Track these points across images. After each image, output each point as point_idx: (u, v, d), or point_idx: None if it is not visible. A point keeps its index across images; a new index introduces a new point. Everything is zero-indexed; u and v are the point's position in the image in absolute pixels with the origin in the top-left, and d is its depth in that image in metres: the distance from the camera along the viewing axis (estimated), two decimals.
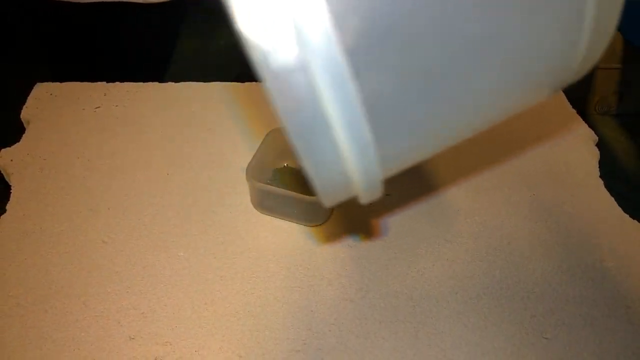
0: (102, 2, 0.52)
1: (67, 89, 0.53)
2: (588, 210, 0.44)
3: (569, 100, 0.55)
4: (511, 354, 0.35)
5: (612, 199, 0.45)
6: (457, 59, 0.17)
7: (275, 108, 0.16)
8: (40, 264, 0.38)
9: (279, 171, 0.45)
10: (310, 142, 0.17)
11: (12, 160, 0.45)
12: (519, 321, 0.36)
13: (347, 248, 0.41)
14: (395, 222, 0.43)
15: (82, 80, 0.54)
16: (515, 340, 0.35)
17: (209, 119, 0.51)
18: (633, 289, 0.39)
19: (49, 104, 0.51)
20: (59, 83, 0.53)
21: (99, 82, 0.54)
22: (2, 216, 0.41)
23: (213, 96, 0.53)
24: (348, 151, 0.17)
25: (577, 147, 0.50)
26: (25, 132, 0.49)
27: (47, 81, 0.54)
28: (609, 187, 0.46)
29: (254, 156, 0.42)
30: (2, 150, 0.46)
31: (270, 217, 0.42)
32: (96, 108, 0.51)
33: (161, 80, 0.55)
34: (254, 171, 0.41)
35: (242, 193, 0.44)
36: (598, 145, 0.51)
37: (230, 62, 0.60)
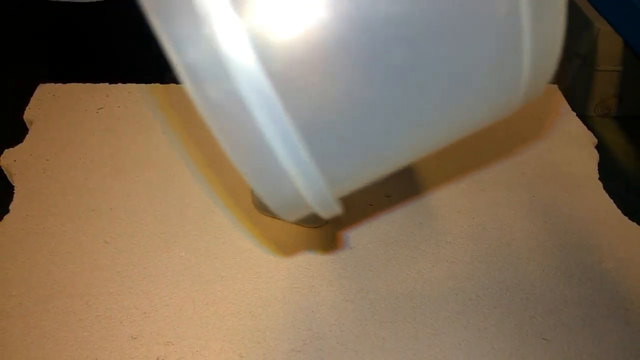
0: (105, 2, 0.53)
1: (70, 90, 0.53)
2: (587, 211, 0.44)
3: (569, 103, 0.55)
4: (510, 354, 0.35)
5: (611, 200, 0.45)
6: (388, 85, 0.17)
7: (213, 132, 0.17)
8: (42, 264, 0.39)
9: None
10: (252, 165, 0.18)
11: (15, 160, 0.46)
12: (519, 322, 0.37)
13: (347, 249, 0.41)
14: (395, 224, 0.43)
15: (84, 82, 0.54)
16: (515, 341, 0.36)
17: None
18: (632, 290, 0.39)
19: (52, 104, 0.52)
20: (61, 84, 0.54)
21: (101, 83, 0.54)
22: (5, 216, 0.42)
23: None
24: (291, 172, 0.18)
25: (577, 149, 0.50)
26: (28, 132, 0.49)
27: (50, 82, 0.54)
28: (608, 188, 0.47)
29: None
30: (5, 150, 0.47)
31: (271, 218, 0.43)
32: (98, 109, 0.52)
33: (163, 81, 0.55)
34: None
35: (243, 194, 0.44)
36: (597, 147, 0.51)
37: None
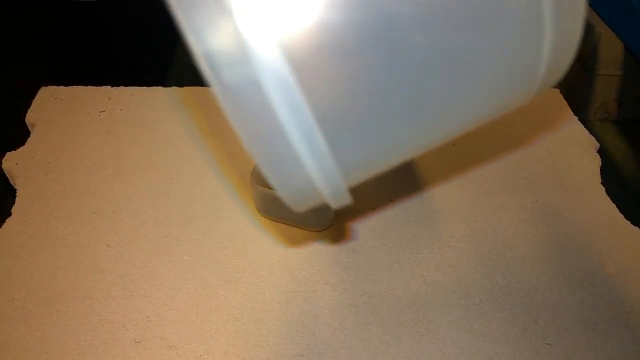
0: (107, 4, 0.53)
1: (72, 92, 0.53)
2: (589, 216, 0.45)
3: (569, 106, 0.55)
4: (514, 359, 0.35)
5: (614, 205, 0.46)
6: (408, 72, 0.17)
7: (229, 118, 0.17)
8: (44, 267, 0.38)
9: None
10: (267, 151, 0.17)
11: (17, 163, 0.46)
12: (522, 326, 0.37)
13: (350, 253, 0.41)
14: (398, 228, 0.43)
15: (86, 84, 0.54)
16: (518, 346, 0.36)
17: (213, 123, 0.51)
18: (634, 295, 0.39)
19: (54, 107, 0.51)
20: (63, 87, 0.54)
21: (104, 86, 0.54)
22: (8, 219, 0.42)
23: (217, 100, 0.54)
24: (305, 160, 0.18)
25: (579, 153, 0.50)
26: (30, 135, 0.49)
27: (52, 85, 0.54)
28: (609, 193, 0.47)
29: None
30: (8, 153, 0.46)
31: (274, 221, 0.43)
32: (101, 112, 0.52)
33: (165, 84, 0.55)
34: (259, 176, 0.41)
35: (246, 198, 0.44)
36: (599, 151, 0.51)
37: None
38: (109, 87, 0.54)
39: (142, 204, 0.43)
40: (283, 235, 0.42)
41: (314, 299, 0.38)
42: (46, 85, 0.54)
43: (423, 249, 0.41)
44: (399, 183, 0.47)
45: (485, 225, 0.43)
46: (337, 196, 0.20)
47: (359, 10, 0.16)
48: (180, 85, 0.55)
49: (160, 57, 0.64)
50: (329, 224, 0.42)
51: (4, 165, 0.46)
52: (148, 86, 0.55)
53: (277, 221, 0.43)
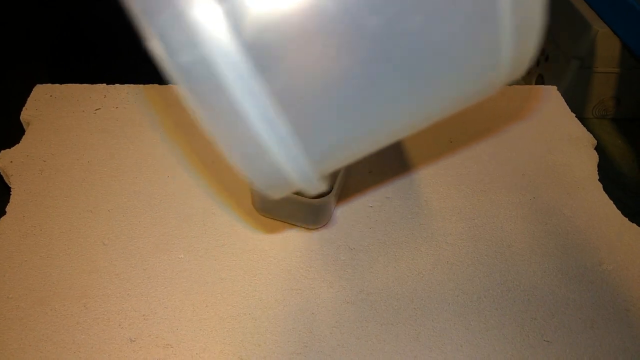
0: (103, 3, 0.53)
1: (67, 90, 0.53)
2: (587, 213, 0.44)
3: (567, 104, 0.55)
4: (512, 356, 0.35)
5: (611, 202, 0.45)
6: (362, 56, 0.17)
7: (188, 104, 0.17)
8: (40, 266, 0.38)
9: None
10: (230, 137, 0.17)
11: (11, 161, 0.45)
12: (520, 323, 0.37)
13: (347, 250, 0.41)
14: (396, 225, 0.43)
15: (81, 82, 0.54)
16: (516, 343, 0.35)
17: None
18: (632, 291, 0.39)
19: (49, 105, 0.51)
20: (58, 85, 0.53)
21: (99, 84, 0.54)
22: (2, 218, 0.41)
23: None
24: (268, 143, 0.17)
25: (576, 151, 0.50)
26: (25, 133, 0.48)
27: (47, 83, 0.54)
28: (607, 190, 0.47)
29: None
30: (2, 151, 0.46)
31: (271, 219, 0.42)
32: (96, 110, 0.51)
33: (161, 82, 0.55)
34: None
35: (243, 195, 0.44)
36: (596, 149, 0.51)
37: None
38: (104, 84, 0.54)
39: (138, 202, 0.43)
40: (280, 233, 0.42)
41: (311, 297, 0.37)
42: (41, 83, 0.53)
43: (421, 246, 0.41)
44: (397, 180, 0.46)
45: (483, 223, 0.43)
46: (307, 181, 0.20)
47: None
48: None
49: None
50: (325, 221, 0.42)
51: None
52: (144, 84, 0.54)
53: (274, 219, 0.42)
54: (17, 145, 0.47)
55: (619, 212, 0.45)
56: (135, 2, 0.15)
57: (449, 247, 0.41)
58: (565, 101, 0.56)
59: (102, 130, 0.49)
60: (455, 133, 0.51)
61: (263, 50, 0.16)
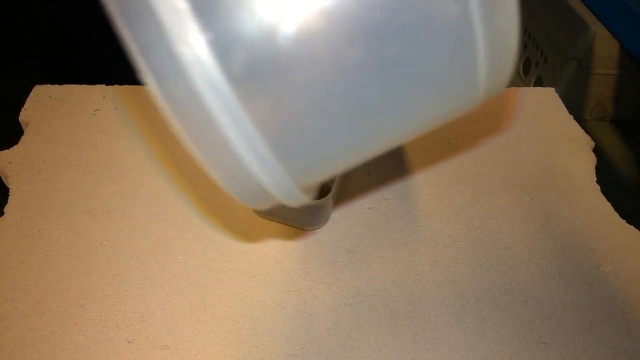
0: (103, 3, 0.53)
1: (66, 91, 0.53)
2: (585, 215, 0.44)
3: (565, 106, 0.55)
4: (509, 358, 0.35)
5: (609, 204, 0.45)
6: (343, 83, 0.18)
7: (173, 125, 0.18)
8: (37, 267, 0.38)
9: None
10: (213, 157, 0.19)
11: (10, 162, 0.45)
12: (518, 326, 0.37)
13: (345, 252, 0.41)
14: (393, 227, 0.43)
15: (80, 83, 0.54)
16: (514, 345, 0.36)
17: None
18: (630, 294, 0.39)
19: (48, 106, 0.51)
20: (57, 85, 0.53)
21: (98, 85, 0.54)
22: (0, 218, 0.41)
23: None
24: (251, 166, 0.18)
25: (575, 152, 0.50)
26: (24, 134, 0.48)
27: (46, 83, 0.54)
28: (605, 192, 0.47)
29: None
30: (1, 152, 0.46)
31: (269, 221, 0.42)
32: (95, 111, 0.51)
33: None
34: None
35: None
36: (594, 150, 0.51)
37: None
38: (103, 85, 0.54)
39: (136, 203, 0.43)
40: (278, 234, 0.42)
41: (309, 298, 0.38)
42: (40, 84, 0.53)
43: (419, 247, 0.41)
44: (395, 182, 0.46)
45: (481, 224, 0.43)
46: (288, 195, 0.21)
47: (295, 26, 0.16)
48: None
49: None
50: (323, 223, 0.42)
51: None
52: (143, 85, 0.54)
53: (272, 220, 0.42)
54: (15, 146, 0.47)
55: (616, 214, 0.45)
56: (130, 41, 0.17)
57: (447, 249, 0.41)
58: (564, 103, 0.56)
59: (101, 131, 0.49)
60: (453, 135, 0.51)
61: (247, 80, 0.17)
